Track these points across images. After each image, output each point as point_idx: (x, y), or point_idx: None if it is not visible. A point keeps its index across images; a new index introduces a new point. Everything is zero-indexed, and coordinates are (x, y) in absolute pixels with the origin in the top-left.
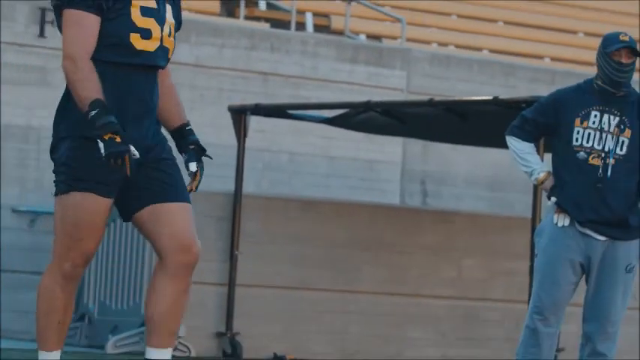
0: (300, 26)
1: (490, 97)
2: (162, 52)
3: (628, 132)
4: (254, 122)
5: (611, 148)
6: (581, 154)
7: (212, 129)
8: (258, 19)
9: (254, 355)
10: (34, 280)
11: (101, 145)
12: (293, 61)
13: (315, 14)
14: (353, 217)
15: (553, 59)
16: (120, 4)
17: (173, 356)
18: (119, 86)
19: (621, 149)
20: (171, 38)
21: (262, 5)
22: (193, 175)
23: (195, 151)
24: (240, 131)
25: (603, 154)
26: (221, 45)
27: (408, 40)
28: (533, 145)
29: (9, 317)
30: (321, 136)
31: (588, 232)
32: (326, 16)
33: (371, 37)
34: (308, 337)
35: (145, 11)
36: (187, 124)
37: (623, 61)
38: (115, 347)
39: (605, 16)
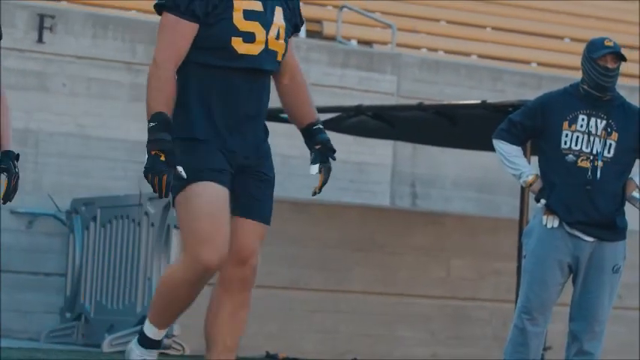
0: None
1: (478, 102)
2: (269, 54)
3: (615, 135)
4: None
5: (599, 150)
6: (570, 157)
7: None
8: None
9: (247, 353)
10: (33, 280)
11: (146, 158)
12: None
13: (308, 20)
14: (344, 218)
15: (540, 64)
16: (221, 9)
17: (168, 355)
18: (221, 90)
19: (609, 152)
20: (281, 41)
21: None
22: (319, 175)
23: (321, 151)
24: None
25: (592, 157)
26: None
27: (398, 45)
28: (520, 148)
29: (9, 317)
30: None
31: (577, 233)
32: (318, 22)
33: (362, 42)
34: (300, 336)
35: (249, 15)
36: (315, 123)
37: (609, 66)
38: (110, 346)
39: (590, 22)
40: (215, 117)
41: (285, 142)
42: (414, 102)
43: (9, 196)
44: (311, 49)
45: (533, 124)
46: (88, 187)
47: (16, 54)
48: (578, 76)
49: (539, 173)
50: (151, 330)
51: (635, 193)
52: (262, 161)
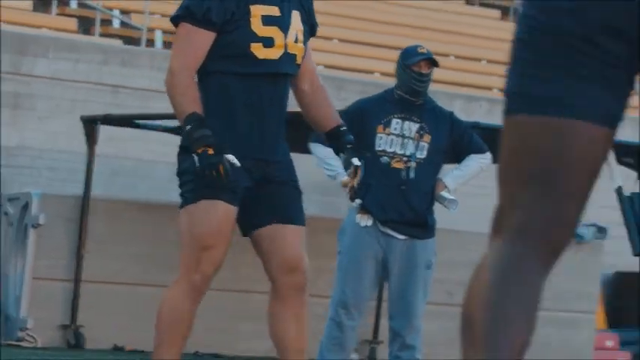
0: (150, 43)
1: None
2: (288, 58)
3: (427, 137)
4: (104, 131)
5: (412, 152)
6: (384, 159)
7: (66, 137)
8: (112, 36)
9: (96, 346)
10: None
11: (195, 159)
12: (142, 74)
13: (165, 32)
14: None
15: (382, 74)
16: (239, 16)
17: (21, 347)
18: (244, 96)
19: (422, 153)
20: (299, 44)
21: (116, 23)
22: (354, 171)
23: (353, 149)
24: (91, 139)
25: (405, 158)
26: (76, 60)
27: None
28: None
29: None
30: (164, 144)
31: (389, 231)
32: (174, 33)
33: None
34: (147, 329)
35: (267, 20)
36: (342, 125)
37: (423, 71)
38: None
39: (427, 34)
40: (238, 126)
41: (137, 147)
42: None
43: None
44: (166, 59)
45: (350, 128)
46: None
47: None
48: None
49: None
50: None
51: (444, 193)
52: (288, 167)
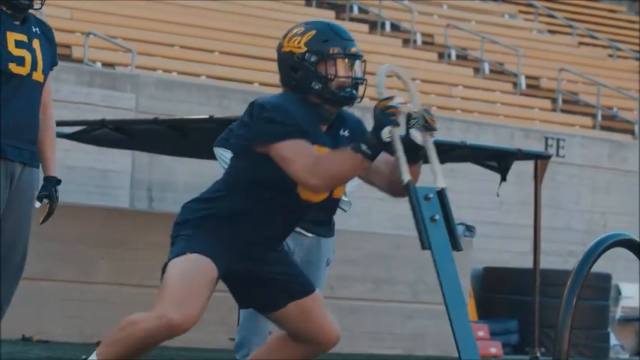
0: None
1: (207, 116)
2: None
3: None
4: None
5: None
6: None
7: None
8: None
9: (4, 336)
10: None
11: (386, 129)
12: None
13: (59, 45)
14: (89, 218)
15: (261, 84)
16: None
17: None
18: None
19: None
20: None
21: None
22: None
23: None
24: None
25: None
26: None
27: (138, 67)
28: None
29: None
30: (62, 149)
31: (298, 229)
32: (68, 46)
33: (106, 64)
34: (52, 321)
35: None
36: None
37: None
38: None
39: None
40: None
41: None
42: (150, 117)
43: (47, 219)
44: (61, 70)
45: None
46: None
47: None
48: None
49: None
50: None
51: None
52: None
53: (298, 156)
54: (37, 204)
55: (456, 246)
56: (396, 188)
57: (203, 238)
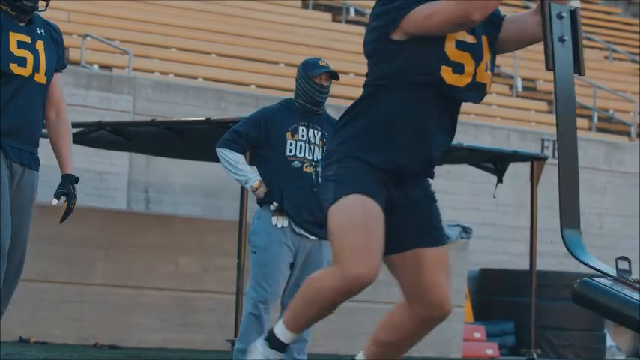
0: None
1: (203, 118)
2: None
3: None
4: None
5: (319, 158)
6: (296, 164)
7: None
8: None
9: (2, 338)
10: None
11: None
12: None
13: None
14: (87, 220)
15: (258, 86)
16: None
17: None
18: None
19: None
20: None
21: None
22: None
23: None
24: None
25: (314, 163)
26: None
27: (135, 69)
28: (243, 156)
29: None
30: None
31: (302, 232)
32: (65, 49)
33: (103, 66)
34: (49, 322)
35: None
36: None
37: (324, 83)
38: None
39: (301, 49)
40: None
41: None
42: (147, 119)
43: (66, 217)
44: None
45: (257, 135)
46: None
47: None
48: (291, 96)
49: (261, 179)
50: (283, 332)
51: None
52: (427, 182)
53: (430, 6)
54: (55, 201)
55: (579, 70)
56: (530, 30)
57: (352, 174)
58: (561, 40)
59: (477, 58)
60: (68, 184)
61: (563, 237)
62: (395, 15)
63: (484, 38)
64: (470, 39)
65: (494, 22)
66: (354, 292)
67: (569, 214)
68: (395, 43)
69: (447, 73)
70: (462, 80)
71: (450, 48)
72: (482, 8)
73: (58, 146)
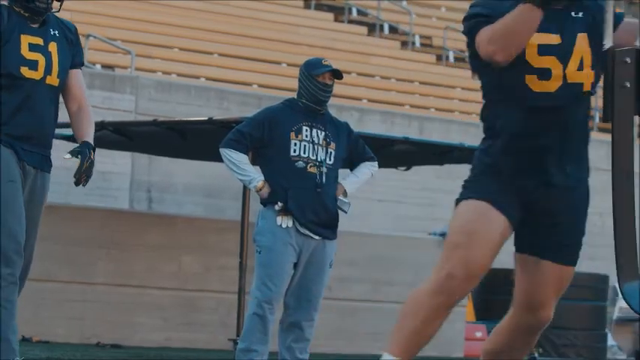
0: None
1: (206, 118)
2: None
3: (333, 144)
4: None
5: (322, 158)
6: (300, 164)
7: None
8: None
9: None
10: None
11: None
12: None
13: None
14: (89, 220)
15: (260, 86)
16: None
17: None
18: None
19: (330, 159)
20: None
21: None
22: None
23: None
24: None
25: (317, 163)
26: None
27: (137, 69)
28: (247, 156)
29: None
30: (61, 151)
31: (307, 232)
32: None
33: (105, 66)
34: (51, 322)
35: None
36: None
37: (327, 82)
38: None
39: (303, 50)
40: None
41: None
42: (149, 118)
43: (80, 176)
44: None
45: (261, 135)
46: None
47: None
48: (293, 96)
49: (264, 179)
50: (385, 357)
51: (342, 197)
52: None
53: (481, 35)
54: (68, 155)
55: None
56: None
57: (481, 181)
58: (622, 86)
59: (564, 59)
60: (85, 146)
61: (622, 292)
62: (469, 37)
63: (581, 36)
64: (554, 39)
65: (597, 19)
66: (458, 295)
67: (628, 267)
68: (478, 58)
69: (532, 82)
70: (551, 86)
71: (531, 55)
72: (502, 52)
73: (80, 127)
